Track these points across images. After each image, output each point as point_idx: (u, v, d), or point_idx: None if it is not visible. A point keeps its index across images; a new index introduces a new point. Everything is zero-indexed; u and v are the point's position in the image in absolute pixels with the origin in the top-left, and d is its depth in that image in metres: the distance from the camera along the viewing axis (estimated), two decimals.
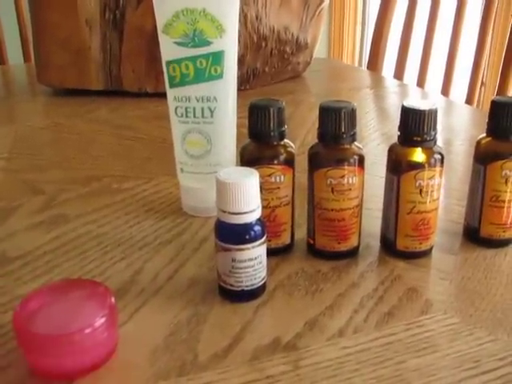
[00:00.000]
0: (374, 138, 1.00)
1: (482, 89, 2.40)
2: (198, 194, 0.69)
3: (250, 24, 1.19)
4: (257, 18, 1.20)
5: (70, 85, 1.25)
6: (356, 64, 3.14)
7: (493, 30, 1.41)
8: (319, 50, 1.44)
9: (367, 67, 1.62)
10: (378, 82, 1.46)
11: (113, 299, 0.47)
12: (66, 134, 1.05)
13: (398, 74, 1.54)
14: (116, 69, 1.22)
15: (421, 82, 1.50)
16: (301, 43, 1.31)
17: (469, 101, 1.39)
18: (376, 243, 0.64)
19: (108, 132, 1.06)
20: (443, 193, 0.75)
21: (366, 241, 0.64)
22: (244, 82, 1.25)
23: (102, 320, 0.45)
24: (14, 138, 1.02)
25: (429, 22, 1.48)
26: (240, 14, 1.12)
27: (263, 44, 1.23)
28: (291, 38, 1.28)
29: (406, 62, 1.53)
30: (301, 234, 0.64)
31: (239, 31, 1.14)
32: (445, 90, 1.44)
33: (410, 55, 1.53)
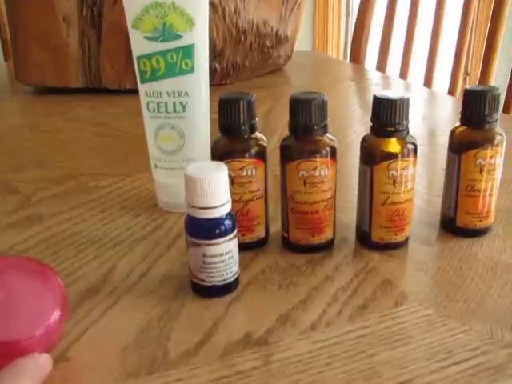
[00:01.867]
0: (356, 130, 1.00)
1: (467, 78, 2.41)
2: (173, 189, 0.68)
3: (228, 18, 1.18)
4: (235, 11, 1.19)
5: (49, 83, 1.24)
6: (341, 56, 3.13)
7: (476, 18, 1.40)
8: (304, 43, 1.44)
9: (350, 59, 1.62)
10: (360, 74, 1.45)
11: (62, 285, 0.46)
12: (44, 133, 1.04)
13: (381, 65, 1.54)
14: (95, 66, 1.21)
15: (403, 74, 1.50)
16: (281, 36, 1.30)
17: (452, 91, 1.39)
18: (352, 236, 0.63)
19: (87, 130, 1.05)
20: (424, 183, 0.74)
21: (342, 234, 0.63)
22: (224, 77, 1.24)
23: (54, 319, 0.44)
24: None
25: (410, 13, 1.47)
26: (218, 8, 1.12)
27: (242, 38, 1.22)
28: (271, 32, 1.27)
29: (389, 54, 1.53)
30: (277, 227, 0.63)
31: (218, 25, 1.14)
32: (427, 81, 1.44)
33: (392, 47, 1.52)
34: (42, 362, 0.41)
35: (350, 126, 1.03)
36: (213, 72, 1.21)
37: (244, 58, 1.26)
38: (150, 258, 0.61)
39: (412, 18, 1.47)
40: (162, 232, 0.66)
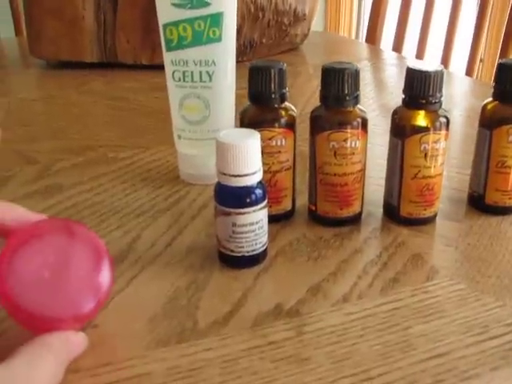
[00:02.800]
0: (373, 109, 0.99)
1: (481, 65, 2.38)
2: (196, 160, 0.67)
3: None
4: None
5: (64, 57, 1.23)
6: (353, 37, 3.11)
7: (494, 3, 1.39)
8: (316, 24, 1.42)
9: (365, 40, 1.60)
10: (376, 55, 1.44)
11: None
12: (59, 106, 1.03)
13: (397, 46, 1.52)
14: (110, 40, 1.19)
15: (419, 55, 1.48)
16: (299, 14, 1.28)
17: (468, 74, 1.37)
18: (378, 211, 0.62)
19: (103, 103, 1.04)
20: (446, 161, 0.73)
21: (368, 209, 0.62)
22: (241, 54, 1.22)
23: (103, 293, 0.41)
24: (7, 110, 1.01)
25: None
26: None
27: (260, 15, 1.21)
28: (289, 9, 1.26)
29: (405, 35, 1.51)
30: (301, 200, 0.62)
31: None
32: (444, 63, 1.42)
33: (408, 28, 1.51)
34: (74, 342, 0.40)
35: (366, 105, 1.01)
36: None
37: (261, 35, 1.25)
38: (174, 228, 0.60)
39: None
40: (186, 203, 0.65)
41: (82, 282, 0.40)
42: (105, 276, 0.41)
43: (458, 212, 0.63)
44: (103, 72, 1.22)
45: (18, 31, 1.74)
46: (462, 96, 1.12)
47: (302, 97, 1.02)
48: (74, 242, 0.41)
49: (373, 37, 1.57)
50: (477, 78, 1.46)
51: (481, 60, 2.30)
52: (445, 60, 1.42)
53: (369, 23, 1.59)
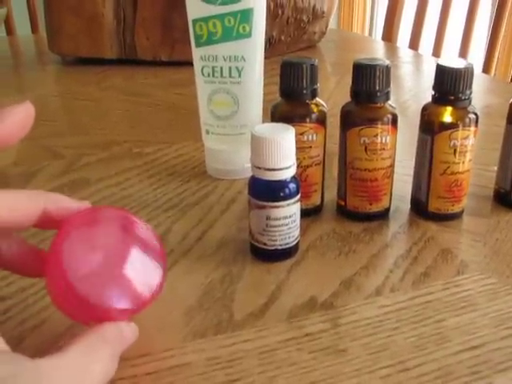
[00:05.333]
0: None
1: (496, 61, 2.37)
2: (224, 155, 0.68)
3: None
4: None
5: (83, 53, 1.23)
6: (366, 34, 3.11)
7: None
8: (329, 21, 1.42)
9: (382, 37, 1.60)
10: (392, 53, 1.44)
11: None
12: (80, 102, 1.04)
13: (413, 44, 1.52)
14: (130, 37, 1.20)
15: (436, 53, 1.49)
16: (317, 12, 1.29)
17: (485, 72, 1.38)
18: (405, 206, 0.63)
19: (124, 99, 1.04)
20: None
21: (394, 204, 0.62)
22: None
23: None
24: None
25: None
26: None
27: (280, 12, 1.21)
28: (308, 7, 1.26)
29: (421, 33, 1.51)
30: (329, 195, 0.63)
31: None
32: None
33: (425, 25, 1.51)
34: (128, 333, 0.40)
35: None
36: None
37: (280, 32, 1.25)
38: (204, 222, 0.60)
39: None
40: (214, 198, 0.65)
41: (137, 274, 0.40)
42: (158, 272, 0.41)
43: (485, 208, 0.63)
44: (122, 68, 1.22)
45: (34, 29, 1.75)
46: (481, 93, 1.12)
47: (322, 95, 1.02)
48: (130, 233, 0.41)
49: (389, 34, 1.57)
50: (494, 74, 1.46)
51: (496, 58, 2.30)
52: (462, 57, 1.42)
53: (385, 20, 1.59)
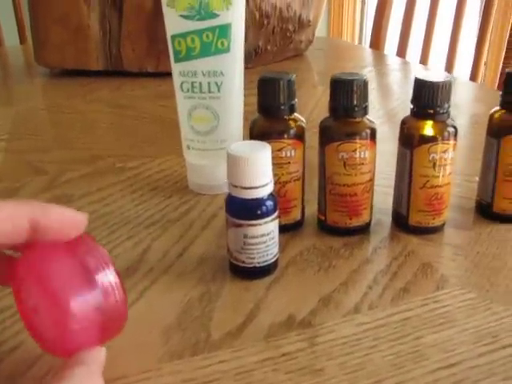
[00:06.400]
0: (378, 116, 0.99)
1: (484, 68, 2.38)
2: (205, 171, 0.68)
3: (252, 1, 1.17)
4: None
5: (69, 65, 1.23)
6: (356, 42, 3.11)
7: (495, 7, 1.39)
8: (319, 29, 1.42)
9: (369, 45, 1.60)
10: (380, 60, 1.44)
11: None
12: (66, 115, 1.04)
13: (401, 51, 1.53)
14: (116, 48, 1.20)
15: (424, 60, 1.49)
16: (303, 21, 1.29)
17: (473, 78, 1.38)
18: (387, 219, 0.63)
19: (110, 112, 1.04)
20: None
21: (376, 217, 0.62)
22: (246, 61, 1.22)
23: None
24: (14, 119, 1.01)
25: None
26: None
27: (265, 22, 1.21)
28: (293, 16, 1.26)
29: (409, 40, 1.51)
30: (310, 210, 0.62)
31: None
32: (448, 68, 1.43)
33: (412, 33, 1.51)
34: (102, 356, 0.39)
35: (371, 111, 1.02)
36: None
37: (266, 42, 1.25)
38: (185, 239, 0.60)
39: (433, 4, 1.45)
40: (196, 214, 0.65)
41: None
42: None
43: (467, 220, 0.63)
44: (109, 80, 1.22)
45: (22, 39, 1.75)
46: (468, 102, 1.12)
47: (308, 105, 1.02)
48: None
49: (377, 42, 1.57)
50: (480, 81, 1.46)
51: (484, 63, 2.30)
52: (449, 65, 1.43)
53: (373, 28, 1.59)
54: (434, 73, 0.57)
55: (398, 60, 1.44)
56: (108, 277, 0.39)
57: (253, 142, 0.52)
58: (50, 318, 0.38)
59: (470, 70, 1.39)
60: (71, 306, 0.37)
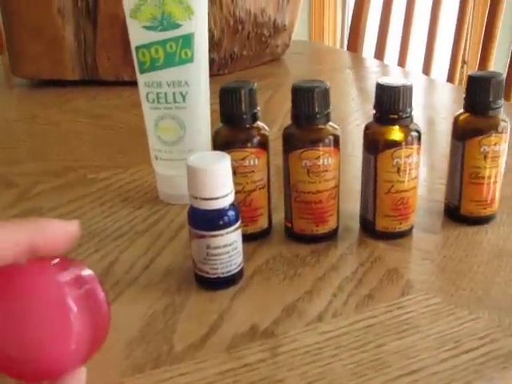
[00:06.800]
0: (356, 118, 0.99)
1: (465, 67, 2.39)
2: (174, 181, 0.67)
3: (225, 7, 1.17)
4: (232, 1, 1.18)
5: (45, 76, 1.23)
6: (338, 46, 3.12)
7: (474, 6, 1.39)
8: (300, 33, 1.42)
9: (347, 48, 1.61)
10: (358, 63, 1.44)
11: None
12: (42, 126, 1.03)
13: (379, 54, 1.53)
14: (91, 58, 1.20)
15: (402, 62, 1.49)
16: (278, 25, 1.29)
17: (450, 79, 1.38)
18: (355, 225, 0.63)
19: (85, 122, 1.04)
20: (426, 171, 0.74)
21: (345, 223, 0.62)
22: (222, 67, 1.23)
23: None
24: None
25: (408, 1, 1.46)
26: None
27: (240, 27, 1.21)
28: (268, 21, 1.26)
29: (387, 42, 1.52)
30: (279, 217, 0.62)
31: (215, 15, 1.13)
32: (426, 69, 1.43)
33: (390, 35, 1.51)
34: (84, 377, 0.39)
35: (350, 114, 1.02)
36: (210, 62, 1.20)
37: (242, 47, 1.25)
38: (152, 250, 0.60)
39: (410, 6, 1.46)
40: (164, 224, 0.65)
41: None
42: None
43: (435, 224, 0.63)
44: (85, 90, 1.22)
45: (0, 50, 1.74)
46: (444, 103, 1.13)
47: (283, 108, 1.02)
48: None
49: (354, 45, 1.57)
50: (460, 80, 1.46)
51: (465, 62, 2.31)
52: (427, 66, 1.43)
53: (350, 31, 1.59)
54: (396, 78, 0.57)
55: (376, 62, 1.44)
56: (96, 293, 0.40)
57: (212, 152, 0.52)
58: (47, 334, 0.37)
59: (448, 70, 1.39)
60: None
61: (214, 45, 1.19)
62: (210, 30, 1.13)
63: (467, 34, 1.36)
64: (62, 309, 0.37)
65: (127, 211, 0.68)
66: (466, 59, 2.11)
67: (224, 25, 1.18)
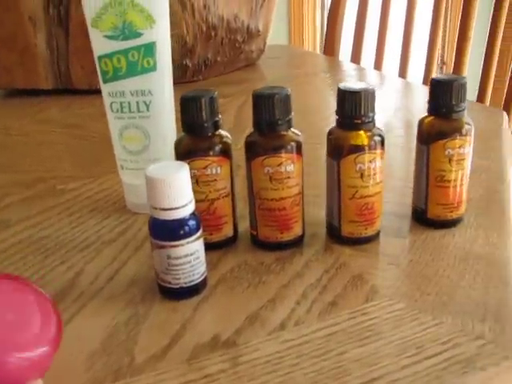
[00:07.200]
0: (332, 122, 0.99)
1: (444, 68, 2.40)
2: (140, 190, 0.66)
3: (197, 13, 1.17)
4: (205, 7, 1.17)
5: (19, 85, 1.22)
6: (318, 50, 3.12)
7: (451, 7, 1.40)
8: (280, 38, 1.42)
9: (324, 52, 1.60)
10: (334, 67, 1.45)
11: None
12: (14, 137, 1.02)
13: (355, 57, 1.53)
14: (64, 66, 1.19)
15: (378, 65, 1.49)
16: (252, 31, 1.29)
17: (426, 81, 1.38)
18: (323, 231, 0.62)
19: (58, 132, 1.03)
20: (399, 176, 0.74)
21: (312, 229, 0.62)
22: (196, 73, 1.23)
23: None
24: None
25: (383, 4, 1.46)
26: (187, 4, 1.11)
27: (213, 33, 1.21)
28: (241, 26, 1.26)
29: (363, 46, 1.52)
30: (246, 225, 0.62)
31: (187, 22, 1.12)
32: (402, 72, 1.43)
33: (366, 38, 1.51)
34: None
35: (325, 118, 1.02)
36: (184, 68, 1.20)
37: (216, 53, 1.25)
38: (117, 261, 0.60)
39: (385, 9, 1.46)
40: (131, 234, 0.65)
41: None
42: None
43: (402, 228, 0.63)
44: (59, 99, 1.21)
45: None
46: (420, 106, 1.12)
47: None
48: None
49: (331, 49, 1.57)
50: None
51: (444, 63, 2.32)
52: (403, 69, 1.43)
53: (326, 35, 1.59)
54: (358, 83, 0.57)
55: (353, 66, 1.44)
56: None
57: (171, 162, 0.52)
58: None
59: (423, 72, 1.39)
60: None
61: (187, 51, 1.18)
62: (182, 37, 1.13)
63: (445, 35, 1.36)
64: None
65: (95, 221, 0.68)
66: (445, 60, 2.12)
67: (197, 31, 1.18)
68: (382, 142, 0.57)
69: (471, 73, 1.14)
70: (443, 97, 0.58)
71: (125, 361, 0.46)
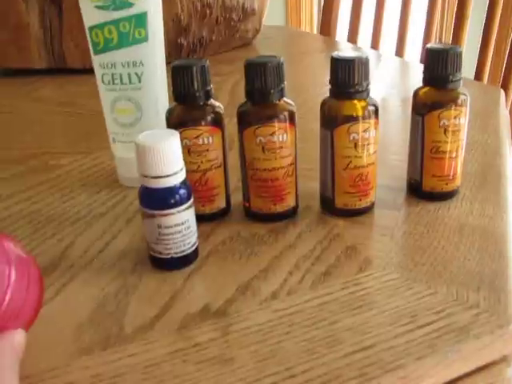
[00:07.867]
0: None
1: None
2: (132, 164, 0.66)
3: None
4: None
5: (12, 64, 1.21)
6: (315, 30, 3.10)
7: None
8: (277, 18, 1.41)
9: (320, 32, 1.59)
10: (330, 46, 1.43)
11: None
12: (7, 115, 1.01)
13: (352, 37, 1.52)
14: (58, 45, 1.18)
15: (375, 45, 1.48)
16: (247, 10, 1.27)
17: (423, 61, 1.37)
18: (316, 204, 0.62)
19: (52, 110, 1.02)
20: (395, 150, 0.73)
21: (306, 202, 0.61)
22: (191, 52, 1.22)
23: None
24: None
25: None
26: None
27: (208, 12, 1.19)
28: (237, 5, 1.25)
29: (359, 25, 1.50)
30: (239, 197, 0.61)
31: (182, 0, 1.11)
32: (399, 51, 1.42)
33: (362, 18, 1.50)
34: (17, 342, 0.39)
35: (321, 95, 1.00)
36: (179, 47, 1.19)
37: (211, 32, 1.24)
38: (108, 233, 0.59)
39: None
40: (122, 207, 0.64)
41: None
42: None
43: (397, 200, 0.62)
44: (53, 77, 1.20)
45: None
46: (418, 84, 1.11)
47: None
48: None
49: (327, 29, 1.56)
50: None
51: (442, 43, 2.29)
52: (400, 48, 1.42)
53: (322, 15, 1.58)
54: (351, 51, 0.56)
55: (349, 45, 1.43)
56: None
57: (162, 130, 0.51)
58: None
59: (421, 52, 1.38)
60: None
61: (182, 30, 1.17)
62: (177, 15, 1.12)
63: (443, 14, 1.34)
64: None
65: (86, 196, 0.67)
66: (442, 40, 2.11)
67: (191, 9, 1.17)
68: (376, 112, 0.56)
69: (468, 52, 1.13)
70: (438, 66, 0.57)
71: (114, 330, 0.45)
